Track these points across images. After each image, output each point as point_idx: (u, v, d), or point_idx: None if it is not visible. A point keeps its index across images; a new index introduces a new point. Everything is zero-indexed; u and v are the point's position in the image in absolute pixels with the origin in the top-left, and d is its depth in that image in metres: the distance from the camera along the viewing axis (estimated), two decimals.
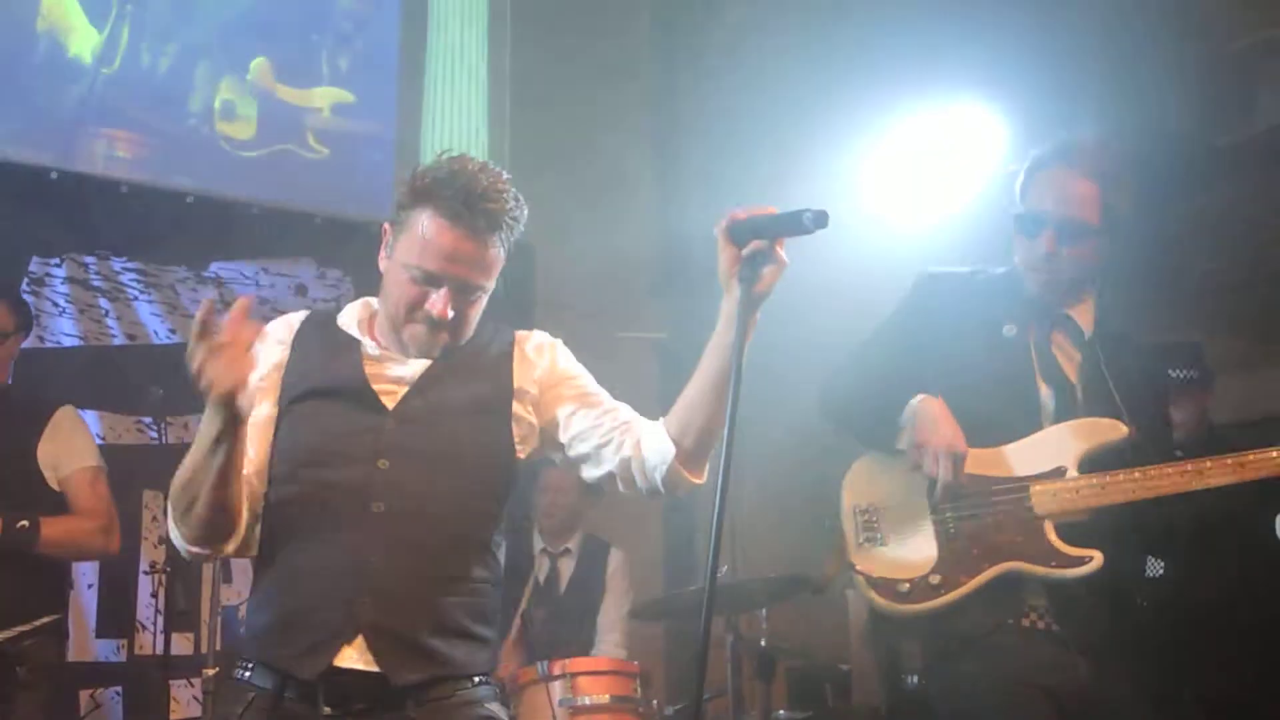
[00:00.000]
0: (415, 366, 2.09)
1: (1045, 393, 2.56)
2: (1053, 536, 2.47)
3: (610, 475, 2.12)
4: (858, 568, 2.55)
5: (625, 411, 2.15)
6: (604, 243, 5.60)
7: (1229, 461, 2.44)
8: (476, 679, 2.04)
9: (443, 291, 2.03)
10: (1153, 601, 3.23)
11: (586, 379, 2.19)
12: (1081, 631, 2.46)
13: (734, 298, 1.92)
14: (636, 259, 5.86)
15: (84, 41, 4.79)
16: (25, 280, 4.39)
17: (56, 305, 4.41)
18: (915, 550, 2.55)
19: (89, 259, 4.53)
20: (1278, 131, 4.10)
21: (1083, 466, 2.49)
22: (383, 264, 2.11)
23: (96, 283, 4.53)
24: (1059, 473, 2.49)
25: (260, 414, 2.05)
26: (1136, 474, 2.45)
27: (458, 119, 5.34)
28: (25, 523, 3.16)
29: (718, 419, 1.99)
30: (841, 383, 2.66)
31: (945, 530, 2.53)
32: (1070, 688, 2.42)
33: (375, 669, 1.94)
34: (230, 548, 2.03)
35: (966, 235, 4.22)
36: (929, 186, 4.68)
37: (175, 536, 2.01)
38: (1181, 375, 3.78)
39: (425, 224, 2.03)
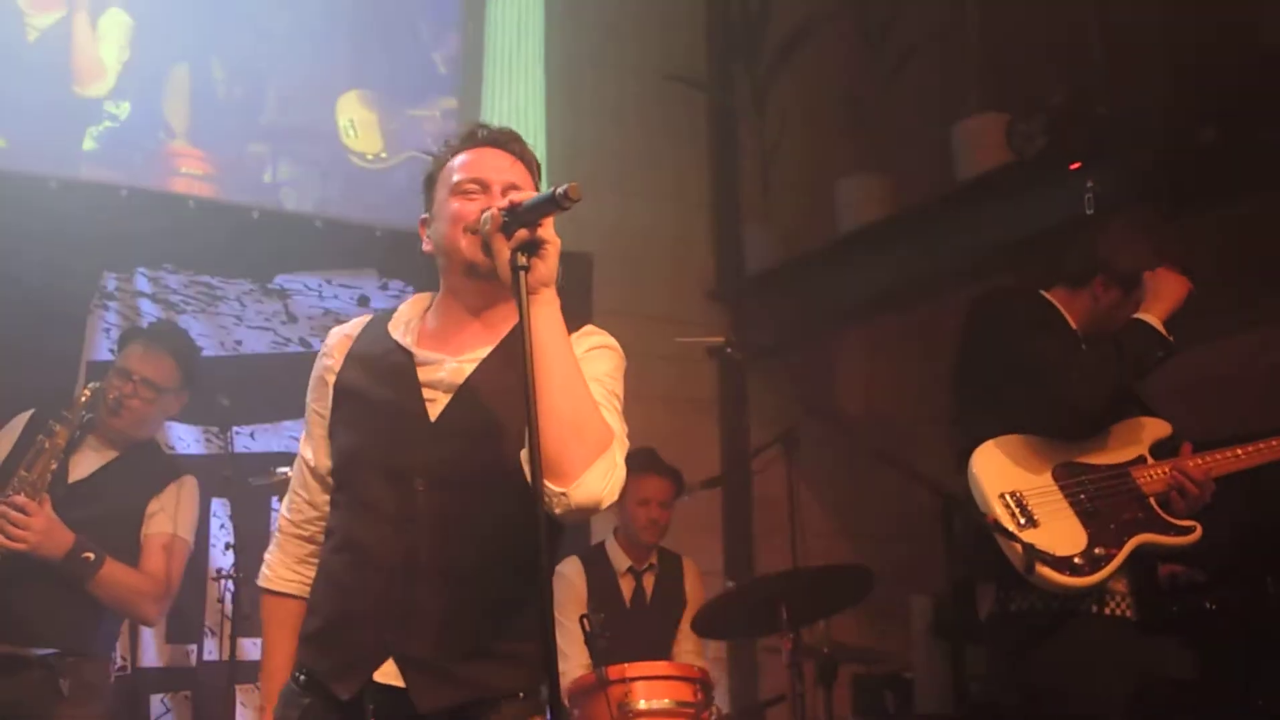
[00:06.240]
0: (456, 369, 2.03)
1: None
2: (1161, 511, 2.68)
3: None
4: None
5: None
6: (662, 248, 5.61)
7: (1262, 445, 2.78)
8: (521, 697, 1.97)
9: (494, 191, 2.04)
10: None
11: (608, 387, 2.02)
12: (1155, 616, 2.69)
13: (516, 288, 1.84)
14: (694, 264, 5.86)
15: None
16: (97, 294, 4.51)
17: (127, 319, 4.50)
18: (1067, 528, 2.63)
19: (159, 273, 4.63)
20: None
21: (1154, 453, 2.78)
22: (430, 245, 2.14)
23: (166, 296, 4.63)
24: (1141, 460, 2.76)
25: (316, 442, 2.14)
26: (1202, 457, 2.74)
27: (514, 123, 5.36)
28: (90, 555, 3.13)
29: (553, 414, 1.81)
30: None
31: (1082, 507, 2.66)
32: (1156, 672, 2.62)
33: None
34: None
35: None
36: None
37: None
38: None
39: (456, 160, 2.11)
